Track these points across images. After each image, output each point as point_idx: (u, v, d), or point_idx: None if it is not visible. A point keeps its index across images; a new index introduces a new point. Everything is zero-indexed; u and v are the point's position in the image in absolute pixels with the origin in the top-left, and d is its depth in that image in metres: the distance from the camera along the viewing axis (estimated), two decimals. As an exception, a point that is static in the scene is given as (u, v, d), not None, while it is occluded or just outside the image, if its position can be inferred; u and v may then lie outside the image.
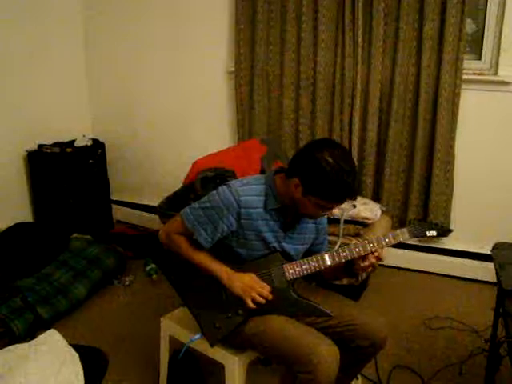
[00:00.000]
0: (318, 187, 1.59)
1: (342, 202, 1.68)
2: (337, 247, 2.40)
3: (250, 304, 1.68)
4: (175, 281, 1.85)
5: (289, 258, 1.78)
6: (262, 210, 1.70)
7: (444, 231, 1.80)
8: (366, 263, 1.69)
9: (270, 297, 1.69)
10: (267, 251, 1.75)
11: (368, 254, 1.69)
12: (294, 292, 1.73)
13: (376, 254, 1.68)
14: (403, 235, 1.72)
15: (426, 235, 1.75)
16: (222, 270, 1.72)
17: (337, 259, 1.70)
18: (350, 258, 1.69)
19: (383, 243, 1.69)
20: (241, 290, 1.69)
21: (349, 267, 1.77)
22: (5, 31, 3.27)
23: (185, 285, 1.83)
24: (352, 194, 1.64)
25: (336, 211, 2.79)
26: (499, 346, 1.95)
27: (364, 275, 2.71)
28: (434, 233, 1.75)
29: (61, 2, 3.64)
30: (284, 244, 1.77)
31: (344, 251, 1.69)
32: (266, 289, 1.70)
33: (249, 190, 1.70)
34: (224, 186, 1.70)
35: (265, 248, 1.75)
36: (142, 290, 3.07)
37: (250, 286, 1.69)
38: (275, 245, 1.76)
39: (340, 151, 1.60)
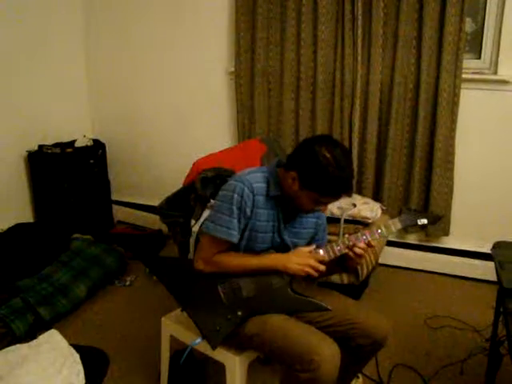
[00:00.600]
0: (314, 181, 1.61)
1: (337, 198, 1.69)
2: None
3: (314, 274, 1.69)
4: (171, 286, 1.84)
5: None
6: (264, 197, 1.71)
7: (435, 218, 1.80)
8: (358, 254, 1.69)
9: (322, 267, 1.70)
10: (267, 245, 1.76)
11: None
12: (293, 289, 1.74)
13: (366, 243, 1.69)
14: (395, 225, 1.72)
15: (417, 223, 1.75)
16: (276, 259, 1.72)
17: (331, 253, 1.71)
18: (344, 251, 1.71)
19: (376, 235, 1.70)
20: (297, 268, 1.69)
21: (342, 261, 1.77)
22: (5, 31, 3.27)
23: (181, 290, 1.82)
24: (347, 189, 1.66)
25: (336, 210, 2.79)
26: (500, 344, 1.96)
27: (365, 273, 2.71)
28: (425, 221, 1.75)
29: (61, 2, 3.65)
30: (284, 237, 1.78)
31: (338, 245, 1.71)
32: (316, 257, 1.71)
33: (254, 177, 1.72)
34: (232, 181, 1.71)
35: (266, 240, 1.76)
36: (142, 290, 3.07)
37: (303, 263, 1.69)
38: (275, 236, 1.77)
39: (338, 148, 1.62)
